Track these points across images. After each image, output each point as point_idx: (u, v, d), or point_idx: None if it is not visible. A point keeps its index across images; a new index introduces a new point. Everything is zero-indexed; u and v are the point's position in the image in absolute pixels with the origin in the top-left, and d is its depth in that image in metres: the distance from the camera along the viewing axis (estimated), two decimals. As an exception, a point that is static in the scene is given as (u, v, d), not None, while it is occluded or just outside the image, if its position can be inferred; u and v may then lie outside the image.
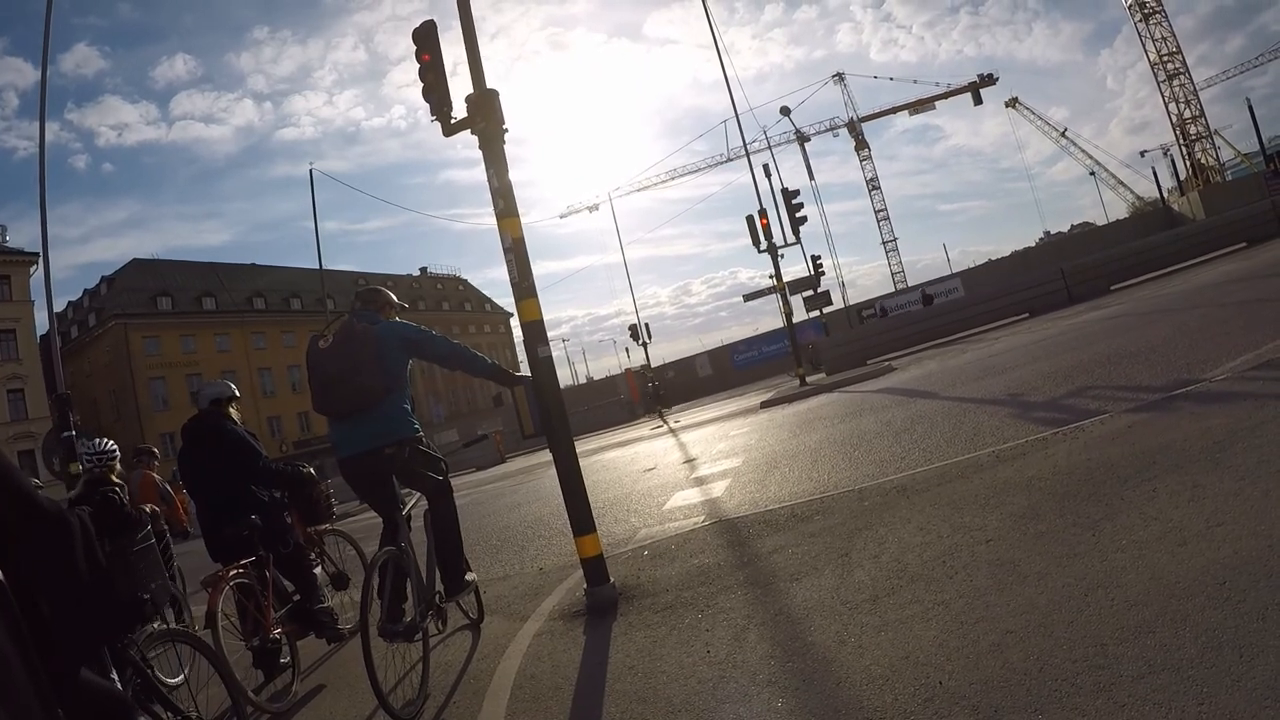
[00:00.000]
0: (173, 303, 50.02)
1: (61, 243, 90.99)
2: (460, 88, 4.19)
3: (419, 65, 4.24)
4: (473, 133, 4.10)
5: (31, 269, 39.67)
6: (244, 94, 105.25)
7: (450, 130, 4.16)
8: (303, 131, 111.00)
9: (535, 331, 4.01)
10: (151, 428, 42.20)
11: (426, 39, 4.25)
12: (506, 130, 4.08)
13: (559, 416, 4.03)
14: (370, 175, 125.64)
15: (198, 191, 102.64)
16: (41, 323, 39.03)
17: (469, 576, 3.75)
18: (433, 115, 4.19)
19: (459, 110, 4.16)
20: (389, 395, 3.46)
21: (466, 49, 4.16)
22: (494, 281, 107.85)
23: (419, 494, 3.73)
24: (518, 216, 4.06)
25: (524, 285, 4.02)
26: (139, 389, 45.60)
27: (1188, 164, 42.92)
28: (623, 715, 2.49)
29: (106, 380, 47.28)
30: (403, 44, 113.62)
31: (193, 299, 51.57)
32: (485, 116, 4.05)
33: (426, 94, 4.22)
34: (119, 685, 2.26)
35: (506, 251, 4.01)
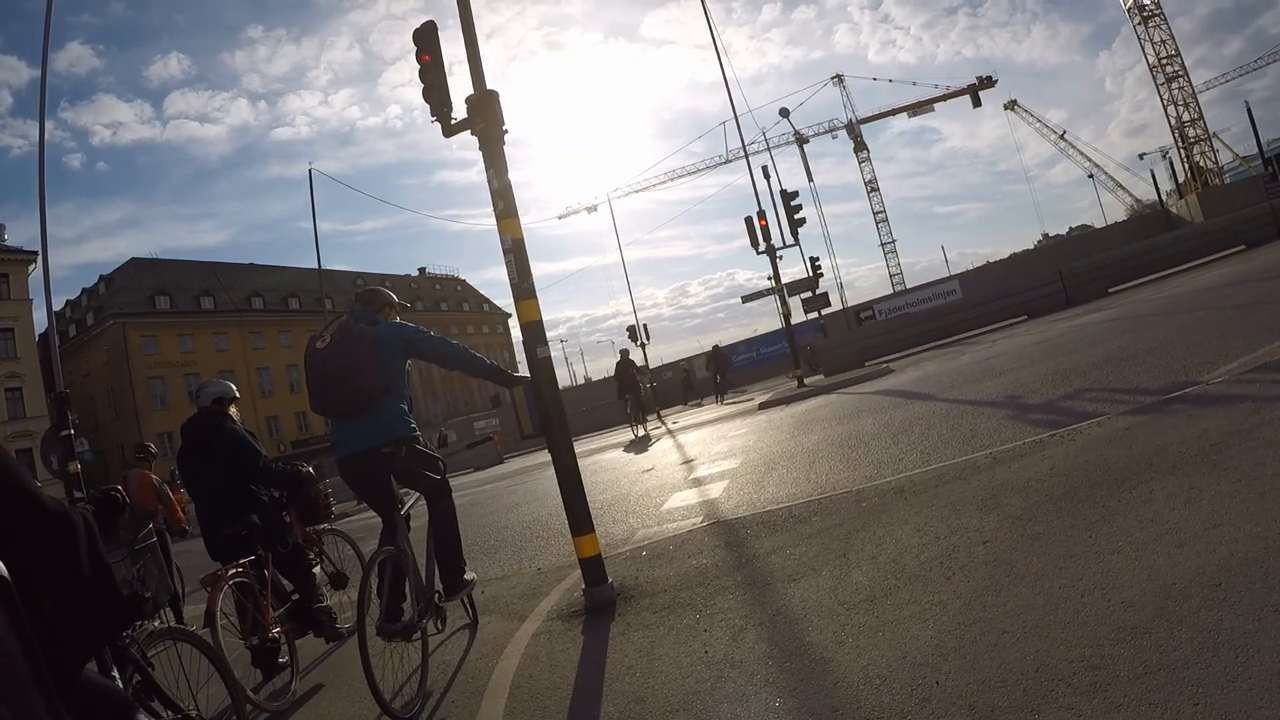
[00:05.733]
0: (171, 302, 49.96)
1: (57, 242, 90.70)
2: (459, 88, 4.21)
3: (419, 66, 4.25)
4: (473, 133, 4.10)
5: (30, 268, 39.63)
6: (238, 93, 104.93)
7: (450, 131, 4.17)
8: (298, 131, 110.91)
9: (535, 332, 4.02)
10: (149, 427, 42.12)
11: (427, 40, 4.26)
12: (506, 131, 4.09)
13: (558, 417, 4.04)
14: (364, 176, 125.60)
15: (192, 192, 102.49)
16: (40, 321, 39.05)
17: (468, 576, 3.76)
18: (433, 116, 4.20)
19: (459, 111, 4.16)
20: (387, 396, 3.46)
21: (466, 50, 4.17)
22: (492, 282, 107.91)
23: (418, 494, 3.74)
24: (517, 217, 4.06)
25: (524, 286, 4.02)
26: (137, 388, 45.54)
27: (1186, 167, 42.93)
28: (621, 715, 2.50)
29: (105, 379, 47.22)
30: (398, 43, 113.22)
31: (191, 299, 51.51)
32: (485, 117, 4.06)
33: (426, 95, 4.23)
34: (119, 683, 2.27)
35: (506, 252, 4.02)
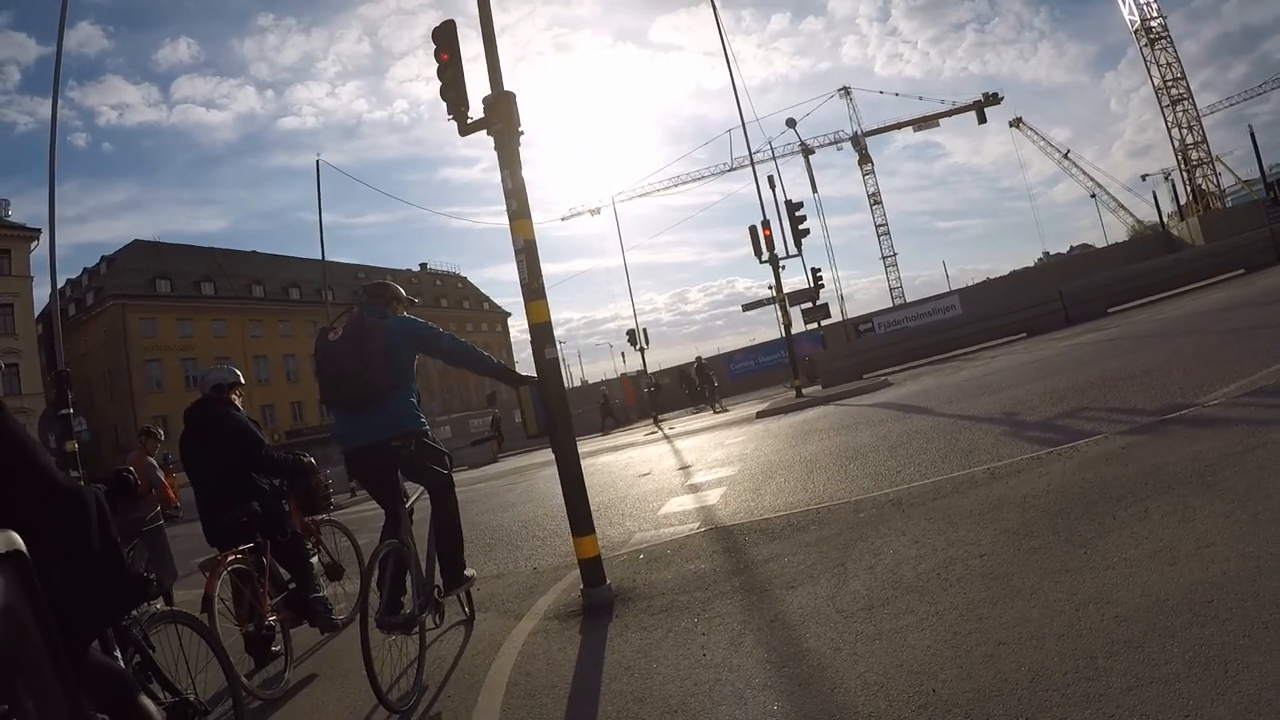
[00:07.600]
0: (171, 286, 49.87)
1: (60, 221, 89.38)
2: (474, 87, 4.23)
3: (438, 64, 4.28)
4: (488, 134, 4.13)
5: (32, 245, 39.52)
6: (246, 81, 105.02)
7: (466, 130, 4.20)
8: (304, 121, 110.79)
9: (543, 333, 4.04)
10: (144, 409, 42.01)
11: (446, 38, 4.29)
12: (522, 133, 4.12)
13: (563, 417, 4.06)
14: (368, 169, 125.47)
15: (196, 177, 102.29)
16: (40, 299, 38.93)
17: (468, 572, 3.78)
18: (449, 114, 4.23)
19: (475, 110, 4.19)
20: (396, 390, 3.48)
21: (485, 50, 4.20)
22: (493, 280, 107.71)
23: (422, 488, 3.76)
24: (530, 218, 4.09)
25: (534, 286, 4.05)
26: (133, 370, 45.43)
27: (1188, 189, 43.10)
28: (619, 714, 2.53)
29: (102, 360, 47.06)
30: (407, 38, 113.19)
31: (192, 283, 51.43)
32: (501, 118, 4.09)
33: (444, 93, 4.26)
34: (121, 662, 2.29)
35: (518, 253, 4.04)
